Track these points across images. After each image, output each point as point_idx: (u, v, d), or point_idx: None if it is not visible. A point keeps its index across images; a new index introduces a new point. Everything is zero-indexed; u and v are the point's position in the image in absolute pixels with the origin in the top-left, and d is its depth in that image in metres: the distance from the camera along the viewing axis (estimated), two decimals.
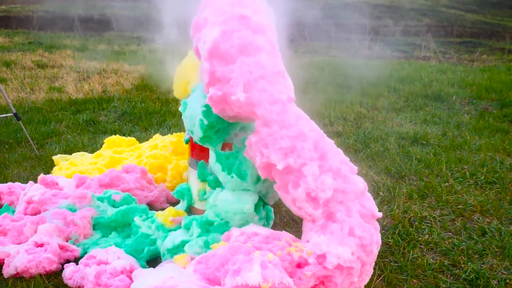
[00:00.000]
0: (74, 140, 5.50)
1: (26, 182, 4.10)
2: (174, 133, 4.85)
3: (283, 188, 2.84)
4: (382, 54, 16.30)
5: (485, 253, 3.28)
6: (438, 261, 3.17)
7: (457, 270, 3.09)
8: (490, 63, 13.97)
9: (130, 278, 2.73)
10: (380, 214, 2.88)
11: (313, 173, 2.71)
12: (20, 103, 7.21)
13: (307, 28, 17.86)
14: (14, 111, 4.86)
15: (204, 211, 3.41)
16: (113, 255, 2.90)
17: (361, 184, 2.84)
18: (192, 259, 2.79)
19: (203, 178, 3.31)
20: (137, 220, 3.27)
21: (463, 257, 3.22)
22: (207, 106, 2.99)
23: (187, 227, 3.08)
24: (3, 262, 2.97)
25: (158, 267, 2.70)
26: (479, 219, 3.78)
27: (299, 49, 16.75)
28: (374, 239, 2.75)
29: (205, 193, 3.37)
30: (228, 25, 2.82)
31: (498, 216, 3.82)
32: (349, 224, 2.68)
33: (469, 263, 3.14)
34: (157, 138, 4.90)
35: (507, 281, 2.97)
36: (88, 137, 5.65)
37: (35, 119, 6.31)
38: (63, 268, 2.96)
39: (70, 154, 4.91)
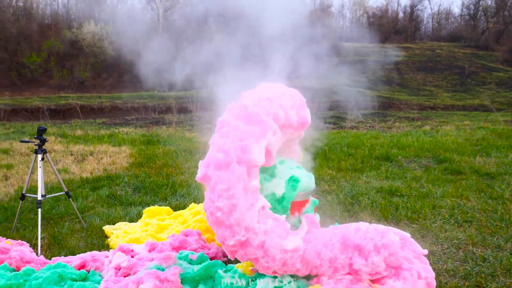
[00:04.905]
0: (109, 212, 5.53)
1: (86, 251, 4.18)
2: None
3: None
4: (317, 126, 17.44)
5: (495, 274, 3.76)
6: (466, 284, 3.60)
7: None
8: (406, 128, 15.56)
9: None
10: (426, 251, 3.27)
11: (362, 264, 3.05)
12: (36, 184, 6.91)
13: None
14: (66, 190, 4.85)
15: None
16: None
17: (395, 236, 3.12)
18: None
19: None
20: (221, 272, 3.41)
21: (480, 279, 3.69)
22: None
23: (274, 275, 3.29)
24: None
25: None
26: (473, 249, 4.31)
27: None
28: (433, 274, 3.12)
29: None
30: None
31: (487, 246, 4.38)
32: (416, 270, 3.04)
33: (488, 283, 3.61)
34: (194, 207, 5.06)
35: None
36: (120, 208, 5.68)
37: (61, 197, 6.18)
38: None
39: (114, 224, 4.94)
